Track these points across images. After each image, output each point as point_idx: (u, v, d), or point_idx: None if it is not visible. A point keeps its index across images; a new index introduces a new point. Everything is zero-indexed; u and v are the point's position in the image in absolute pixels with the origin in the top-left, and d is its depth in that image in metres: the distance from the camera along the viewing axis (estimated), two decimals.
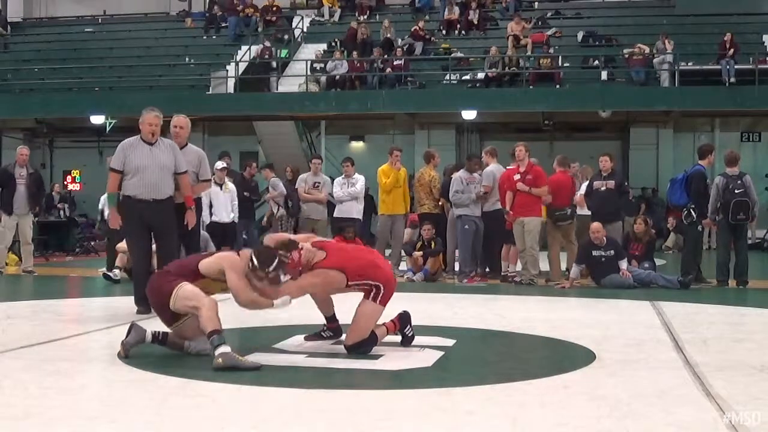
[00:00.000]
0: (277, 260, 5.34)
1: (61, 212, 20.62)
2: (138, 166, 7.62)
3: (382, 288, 5.71)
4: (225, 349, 5.12)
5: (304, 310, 8.38)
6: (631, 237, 12.18)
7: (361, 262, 5.75)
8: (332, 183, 12.81)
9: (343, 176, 12.61)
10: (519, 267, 11.46)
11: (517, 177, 11.11)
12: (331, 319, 6.16)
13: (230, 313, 7.59)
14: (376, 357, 5.61)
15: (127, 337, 5.49)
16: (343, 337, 6.01)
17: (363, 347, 5.72)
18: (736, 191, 10.78)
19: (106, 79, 23.71)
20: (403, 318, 6.02)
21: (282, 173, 14.28)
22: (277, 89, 22.88)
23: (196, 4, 29.83)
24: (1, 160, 25.76)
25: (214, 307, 5.25)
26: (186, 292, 5.30)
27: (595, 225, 10.92)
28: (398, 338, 6.11)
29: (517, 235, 11.09)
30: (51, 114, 23.69)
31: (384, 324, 5.91)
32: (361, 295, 5.78)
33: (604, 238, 10.88)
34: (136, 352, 5.59)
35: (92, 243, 19.00)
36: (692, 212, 11.01)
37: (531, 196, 11.05)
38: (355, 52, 23.25)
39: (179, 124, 8.21)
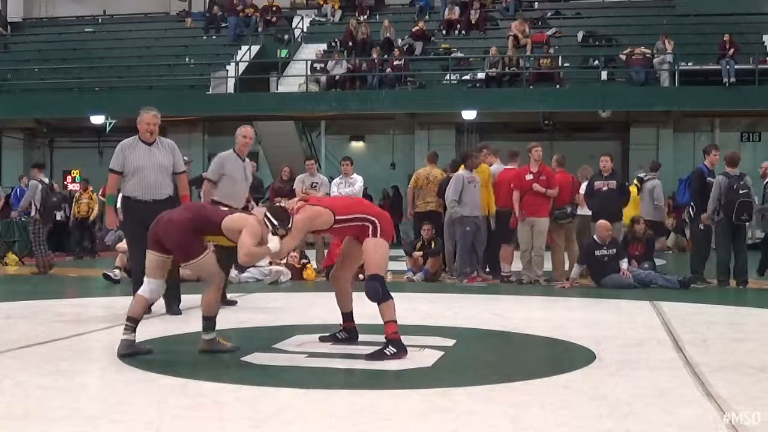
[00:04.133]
0: (290, 217, 5.64)
1: (58, 213, 20.53)
2: (137, 166, 7.62)
3: (377, 222, 5.74)
4: (211, 335, 5.69)
5: (304, 310, 8.41)
6: (629, 237, 12.17)
7: (346, 201, 6.14)
8: (330, 183, 12.79)
9: (341, 176, 12.59)
10: (515, 267, 11.47)
11: (529, 177, 11.12)
12: (348, 317, 6.17)
13: (231, 312, 7.60)
14: None
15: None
16: (359, 338, 6.12)
17: (374, 285, 5.58)
18: (740, 192, 10.77)
19: (106, 79, 23.73)
20: (401, 346, 5.57)
21: (278, 173, 14.29)
22: (277, 89, 22.88)
23: (196, 4, 29.84)
24: (1, 160, 25.87)
25: (218, 290, 5.74)
26: (209, 265, 5.68)
27: (605, 222, 10.88)
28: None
29: (524, 234, 11.08)
30: (51, 114, 23.71)
31: (395, 320, 5.63)
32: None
33: (609, 238, 10.87)
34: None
35: (92, 243, 18.94)
36: (691, 210, 11.05)
37: (542, 197, 11.09)
38: (353, 52, 23.25)
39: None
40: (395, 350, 5.51)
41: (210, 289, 5.69)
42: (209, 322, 5.69)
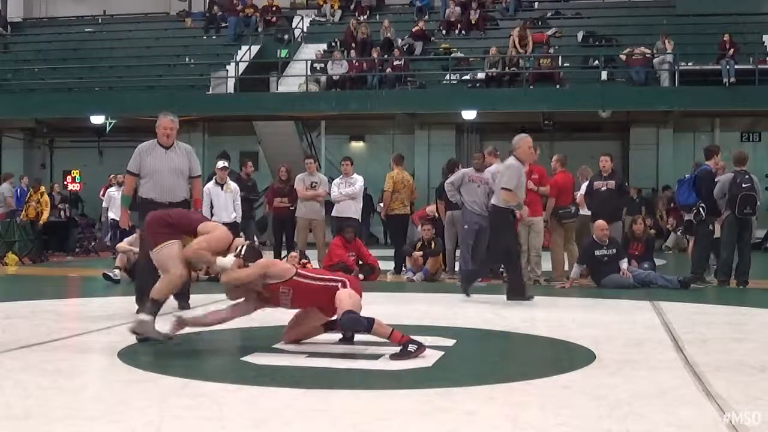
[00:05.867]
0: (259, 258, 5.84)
1: (62, 212, 20.58)
2: (153, 169, 7.81)
3: (347, 281, 5.79)
4: (146, 317, 5.73)
5: None
6: (629, 237, 12.18)
7: (318, 270, 6.29)
8: (330, 183, 12.82)
9: (341, 176, 12.61)
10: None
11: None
12: (330, 326, 6.13)
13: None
14: (376, 357, 5.60)
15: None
16: (307, 345, 6.07)
17: (355, 320, 5.56)
18: (743, 185, 10.81)
19: (106, 79, 23.72)
20: (416, 342, 5.62)
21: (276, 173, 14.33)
22: (277, 89, 22.88)
23: (196, 4, 29.83)
24: (1, 160, 25.87)
25: (175, 283, 5.80)
26: (168, 254, 5.80)
27: (601, 223, 10.90)
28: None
29: (522, 234, 11.06)
30: (51, 114, 23.67)
31: (393, 329, 5.67)
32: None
33: (606, 237, 10.88)
34: (137, 352, 5.60)
35: (92, 243, 18.97)
36: (701, 211, 11.04)
37: (537, 196, 11.08)
38: (353, 52, 23.25)
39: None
40: (416, 346, 5.56)
41: (164, 278, 5.78)
42: (154, 305, 5.80)
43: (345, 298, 5.65)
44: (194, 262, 5.95)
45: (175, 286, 5.80)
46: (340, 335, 6.21)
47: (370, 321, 5.56)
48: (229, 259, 5.71)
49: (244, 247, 5.79)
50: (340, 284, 5.75)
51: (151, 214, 6.22)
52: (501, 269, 11.79)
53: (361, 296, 5.78)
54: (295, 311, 6.03)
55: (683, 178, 11.72)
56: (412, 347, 5.55)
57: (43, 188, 16.99)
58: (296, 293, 5.77)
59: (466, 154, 22.21)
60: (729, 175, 11.03)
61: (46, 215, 16.49)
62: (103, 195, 17.79)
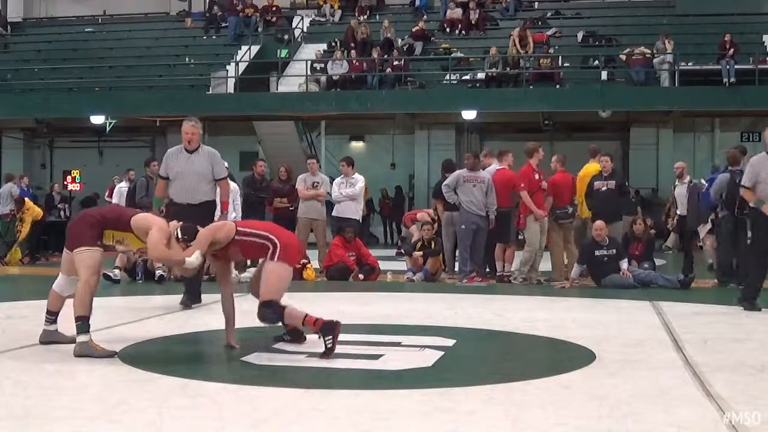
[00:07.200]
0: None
1: (62, 213, 20.55)
2: (177, 172, 8.20)
3: (278, 244, 5.70)
4: (84, 338, 5.54)
5: (304, 310, 8.40)
6: (629, 237, 12.17)
7: (254, 221, 6.17)
8: (331, 183, 12.80)
9: (342, 176, 12.60)
10: (514, 267, 11.51)
11: (537, 177, 11.30)
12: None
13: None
14: (376, 357, 5.60)
15: None
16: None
17: (266, 313, 5.60)
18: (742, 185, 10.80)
19: (106, 79, 23.71)
20: (330, 325, 5.57)
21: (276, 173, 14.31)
22: (277, 89, 22.88)
23: (196, 4, 29.82)
24: (1, 160, 25.87)
25: (91, 290, 5.66)
26: (84, 260, 5.65)
27: (599, 223, 10.92)
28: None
29: (534, 234, 11.12)
30: (51, 114, 23.68)
31: (306, 314, 5.67)
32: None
33: (606, 237, 10.90)
34: (137, 352, 5.60)
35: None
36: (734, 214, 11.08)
37: (542, 196, 11.24)
38: (353, 52, 23.27)
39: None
40: (330, 335, 5.51)
41: (79, 287, 5.63)
42: (82, 323, 5.57)
43: (267, 281, 5.68)
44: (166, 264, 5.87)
45: (89, 295, 5.65)
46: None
47: (281, 314, 5.63)
48: (196, 257, 5.63)
49: (180, 230, 5.71)
50: (271, 247, 5.71)
51: (81, 213, 6.31)
52: (487, 269, 11.82)
53: (294, 261, 5.84)
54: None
55: (713, 177, 11.72)
56: (328, 341, 5.51)
57: (28, 207, 15.67)
58: (243, 248, 5.89)
59: (465, 155, 22.21)
60: (726, 175, 11.02)
61: (23, 235, 15.55)
62: (109, 196, 17.75)
